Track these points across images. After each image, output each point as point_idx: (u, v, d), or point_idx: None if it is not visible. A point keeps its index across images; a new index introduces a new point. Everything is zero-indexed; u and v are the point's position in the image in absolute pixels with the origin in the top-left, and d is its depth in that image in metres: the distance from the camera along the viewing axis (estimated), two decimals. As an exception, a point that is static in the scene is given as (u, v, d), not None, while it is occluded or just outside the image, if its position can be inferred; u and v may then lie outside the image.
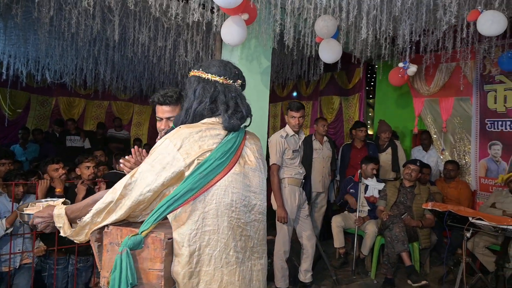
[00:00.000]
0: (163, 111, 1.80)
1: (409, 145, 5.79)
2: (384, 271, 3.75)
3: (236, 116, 1.33)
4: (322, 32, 3.34)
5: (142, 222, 1.26)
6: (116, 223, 1.29)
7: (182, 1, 3.36)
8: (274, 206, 3.41)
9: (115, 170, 3.86)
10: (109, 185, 2.99)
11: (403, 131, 5.90)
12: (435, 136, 5.35)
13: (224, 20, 3.21)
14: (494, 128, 4.72)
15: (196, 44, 4.54)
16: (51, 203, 1.61)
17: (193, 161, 1.22)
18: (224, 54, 4.02)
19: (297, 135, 3.49)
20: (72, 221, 1.36)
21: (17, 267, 3.03)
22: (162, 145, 1.25)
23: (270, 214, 4.66)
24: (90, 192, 3.13)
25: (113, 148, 6.86)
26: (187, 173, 1.23)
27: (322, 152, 4.61)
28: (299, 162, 3.51)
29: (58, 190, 3.11)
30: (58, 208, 1.37)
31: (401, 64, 4.28)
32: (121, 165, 1.71)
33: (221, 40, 3.47)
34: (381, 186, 4.34)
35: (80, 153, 4.65)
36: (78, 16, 3.69)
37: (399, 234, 3.67)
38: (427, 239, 3.98)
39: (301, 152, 3.58)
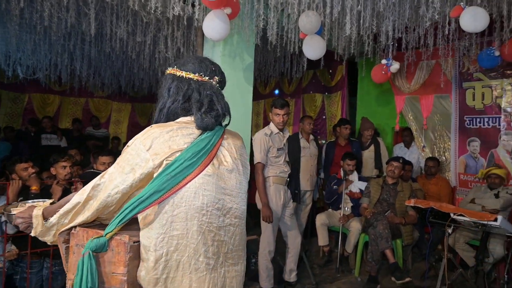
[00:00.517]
0: None
1: (390, 142, 5.85)
2: (368, 269, 3.76)
3: (210, 115, 1.26)
4: (306, 28, 3.29)
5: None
6: (85, 225, 1.26)
7: (162, -6, 3.24)
8: (259, 205, 3.35)
9: (92, 170, 3.70)
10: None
11: (385, 128, 5.95)
12: (416, 133, 5.42)
13: (206, 15, 3.11)
14: (473, 125, 4.82)
15: (177, 39, 4.42)
16: (40, 203, 1.53)
17: (161, 162, 1.18)
18: (206, 50, 3.92)
19: (281, 133, 3.43)
20: None
21: (-15, 273, 2.85)
22: (131, 145, 1.21)
23: (255, 213, 4.61)
24: (66, 192, 2.99)
25: (91, 146, 6.64)
26: (155, 175, 1.18)
27: (309, 151, 4.59)
28: (284, 160, 3.46)
29: (34, 188, 2.97)
30: (37, 209, 1.32)
31: (384, 61, 4.29)
32: None
33: (203, 35, 3.37)
34: (363, 185, 4.35)
35: (57, 152, 4.47)
36: (50, 8, 3.51)
37: (382, 232, 3.68)
38: (409, 236, 4.01)
39: (286, 150, 3.53)
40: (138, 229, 1.23)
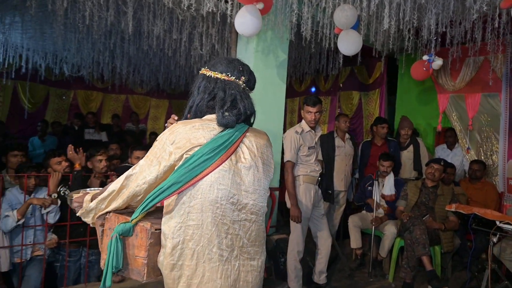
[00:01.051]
0: None
1: (431, 143, 5.55)
2: (403, 275, 3.58)
3: (232, 113, 1.31)
4: (341, 22, 3.18)
5: (153, 212, 1.37)
6: (118, 211, 1.38)
7: (196, -9, 3.26)
8: (288, 204, 3.29)
9: (127, 164, 3.82)
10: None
11: (426, 129, 5.66)
12: (460, 134, 5.09)
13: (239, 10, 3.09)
14: (525, 126, 4.45)
15: (211, 36, 4.45)
16: (94, 191, 1.69)
17: (182, 155, 1.26)
18: (239, 46, 3.91)
19: (313, 131, 3.34)
20: None
21: (28, 259, 3.03)
22: (159, 140, 1.31)
23: (286, 211, 4.56)
24: (103, 185, 3.11)
25: (129, 141, 6.89)
26: (176, 167, 1.26)
27: (344, 150, 4.47)
28: (315, 159, 3.36)
29: (77, 165, 3.11)
30: (88, 195, 1.47)
31: (425, 57, 4.06)
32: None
33: (237, 32, 3.35)
34: (392, 190, 4.16)
35: (97, 146, 4.67)
36: (92, 7, 3.66)
37: (420, 237, 3.48)
38: (449, 243, 3.78)
39: (318, 148, 3.44)
40: (160, 218, 1.32)
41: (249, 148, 1.35)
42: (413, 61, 4.60)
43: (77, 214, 1.48)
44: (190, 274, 1.24)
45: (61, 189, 3.12)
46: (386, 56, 4.81)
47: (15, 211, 2.87)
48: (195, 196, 1.25)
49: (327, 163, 4.24)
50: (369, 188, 4.30)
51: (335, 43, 3.65)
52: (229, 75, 1.36)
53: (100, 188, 1.81)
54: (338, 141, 4.47)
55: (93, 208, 1.40)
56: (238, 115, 1.32)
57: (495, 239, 2.95)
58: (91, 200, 1.43)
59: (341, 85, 7.07)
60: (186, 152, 1.25)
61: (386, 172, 4.21)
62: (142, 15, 4.16)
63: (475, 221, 3.07)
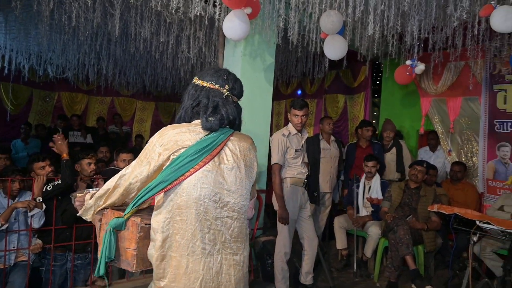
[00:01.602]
0: None
1: (414, 145, 5.69)
2: (388, 274, 3.66)
3: (215, 117, 1.42)
4: (327, 27, 3.24)
5: (146, 208, 1.51)
6: (115, 207, 1.51)
7: (184, -5, 3.27)
8: (276, 206, 3.33)
9: (113, 167, 3.79)
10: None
11: (409, 131, 5.79)
12: (442, 136, 5.24)
13: (227, 14, 3.12)
14: (503, 129, 4.61)
15: (199, 39, 4.46)
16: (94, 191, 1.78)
17: (169, 156, 1.38)
18: (227, 50, 3.93)
19: (300, 134, 3.39)
20: None
21: (12, 265, 2.97)
22: (149, 142, 1.44)
23: (272, 213, 4.59)
24: (89, 188, 3.07)
25: (113, 140, 6.82)
26: (164, 167, 1.38)
27: (329, 152, 4.53)
28: (302, 162, 3.41)
29: (65, 154, 3.05)
30: (89, 195, 1.59)
31: (408, 62, 4.16)
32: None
33: (224, 35, 3.38)
34: (379, 194, 4.25)
35: (83, 148, 4.60)
36: (78, 9, 3.62)
37: (403, 237, 3.57)
38: (432, 242, 3.88)
39: (304, 151, 3.49)
40: (150, 214, 1.43)
41: (232, 150, 1.45)
42: (397, 66, 4.72)
43: (78, 214, 1.59)
44: (176, 264, 1.35)
45: (47, 187, 3.06)
46: (370, 61, 4.92)
47: (-2, 216, 2.81)
48: (181, 194, 1.35)
49: (313, 165, 4.30)
50: (356, 190, 4.38)
51: (321, 47, 3.71)
52: (214, 83, 1.47)
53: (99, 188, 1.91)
54: (323, 144, 4.53)
55: (92, 205, 1.52)
56: (221, 120, 1.43)
57: (475, 238, 3.03)
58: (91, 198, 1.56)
59: (326, 87, 7.17)
60: (173, 153, 1.37)
61: (371, 173, 4.29)
62: (129, 17, 4.15)
63: (456, 221, 3.14)
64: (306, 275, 3.45)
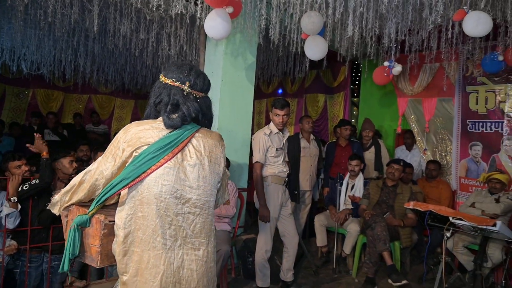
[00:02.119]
0: None
1: (392, 144, 5.83)
2: (366, 270, 3.75)
3: (177, 115, 1.43)
4: (308, 28, 3.29)
5: (114, 204, 1.51)
6: (82, 203, 1.51)
7: (165, -8, 3.25)
8: (257, 204, 3.35)
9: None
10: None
11: (387, 130, 5.93)
12: (417, 136, 5.40)
13: (208, 13, 3.11)
14: (475, 129, 4.79)
15: (180, 37, 4.43)
16: None
17: (131, 153, 1.40)
18: (208, 48, 3.93)
19: (281, 133, 3.43)
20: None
21: (-15, 266, 2.87)
22: (115, 138, 1.45)
23: (254, 212, 4.61)
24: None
25: (92, 140, 6.68)
26: (127, 164, 1.40)
27: (309, 151, 4.58)
28: (283, 160, 3.45)
29: (44, 153, 2.98)
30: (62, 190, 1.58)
31: (386, 63, 4.28)
32: None
33: (205, 34, 3.38)
34: (361, 192, 4.35)
35: (59, 147, 4.48)
36: (54, 4, 3.53)
37: (381, 234, 3.67)
38: (408, 238, 4.00)
39: (285, 150, 3.53)
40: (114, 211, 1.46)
41: (195, 147, 1.46)
42: (375, 66, 4.84)
43: (47, 207, 1.58)
44: (137, 259, 1.38)
45: (23, 187, 2.98)
46: (350, 61, 5.01)
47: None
48: (142, 191, 1.37)
49: (293, 163, 4.34)
50: (339, 187, 4.46)
51: (302, 48, 3.77)
52: (174, 80, 1.47)
53: None
54: (303, 142, 4.58)
55: (58, 201, 1.52)
56: (183, 117, 1.44)
57: (448, 234, 3.13)
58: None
59: (307, 87, 7.25)
60: (135, 150, 1.39)
61: (355, 172, 4.38)
62: (108, 13, 4.07)
63: (430, 217, 3.23)
64: (286, 272, 3.50)
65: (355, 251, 4.06)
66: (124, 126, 1.50)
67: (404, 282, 3.45)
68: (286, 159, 3.61)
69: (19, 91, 8.17)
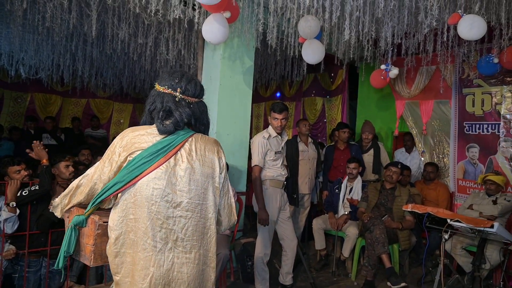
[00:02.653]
0: None
1: (390, 146, 5.85)
2: (365, 273, 3.76)
3: (170, 121, 1.48)
4: (305, 32, 3.32)
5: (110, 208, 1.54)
6: (82, 205, 1.55)
7: (163, -3, 3.27)
8: (256, 208, 3.36)
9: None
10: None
11: (386, 133, 5.95)
12: (416, 138, 5.42)
13: (206, 18, 3.13)
14: (472, 131, 4.82)
15: (178, 42, 4.45)
16: None
17: (126, 158, 1.45)
18: (206, 53, 3.95)
19: (279, 137, 3.45)
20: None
21: (-17, 271, 2.87)
22: (112, 143, 1.51)
23: (252, 215, 4.61)
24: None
25: (90, 145, 6.67)
26: (122, 168, 1.45)
27: (307, 154, 4.59)
28: (282, 164, 3.46)
29: (44, 160, 3.00)
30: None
31: (383, 66, 4.31)
32: None
33: (203, 38, 3.40)
34: (358, 195, 4.36)
35: (57, 151, 4.48)
36: (53, 9, 3.54)
37: (379, 236, 3.68)
38: (406, 241, 4.01)
39: (284, 153, 3.54)
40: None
41: (188, 152, 1.50)
42: (372, 69, 4.87)
43: (50, 210, 1.64)
44: (129, 260, 1.42)
45: (23, 192, 2.97)
46: (347, 64, 5.03)
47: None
48: (135, 194, 1.42)
49: (292, 167, 4.35)
50: (337, 191, 4.47)
51: (299, 51, 3.79)
52: (167, 87, 1.52)
53: None
54: (301, 146, 4.59)
55: (58, 203, 1.58)
56: (176, 123, 1.48)
57: (446, 236, 3.14)
58: None
59: (305, 90, 7.27)
60: (129, 154, 1.44)
61: (353, 175, 4.39)
62: (106, 18, 4.09)
63: (429, 219, 3.24)
64: (285, 276, 3.50)
65: (354, 254, 4.07)
66: (122, 130, 1.53)
67: (403, 284, 3.46)
68: (285, 162, 3.62)
69: (18, 95, 8.18)
